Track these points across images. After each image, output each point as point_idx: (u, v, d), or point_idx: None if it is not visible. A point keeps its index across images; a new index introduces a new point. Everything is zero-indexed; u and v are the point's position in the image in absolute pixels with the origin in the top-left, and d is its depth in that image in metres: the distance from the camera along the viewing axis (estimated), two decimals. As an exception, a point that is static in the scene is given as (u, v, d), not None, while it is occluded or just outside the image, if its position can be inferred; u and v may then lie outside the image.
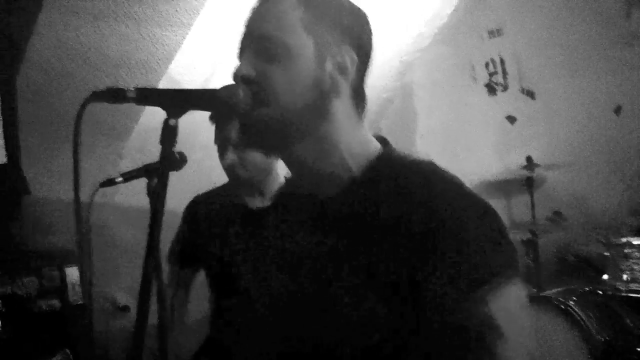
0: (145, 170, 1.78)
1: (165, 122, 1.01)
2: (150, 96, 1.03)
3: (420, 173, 1.05)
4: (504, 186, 3.95)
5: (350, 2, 1.12)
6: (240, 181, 2.16)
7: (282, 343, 1.13)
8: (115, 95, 1.01)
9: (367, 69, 1.13)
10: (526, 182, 3.72)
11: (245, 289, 1.26)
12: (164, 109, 1.02)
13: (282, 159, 1.14)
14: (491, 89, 4.13)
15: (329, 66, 1.06)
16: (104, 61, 2.53)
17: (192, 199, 2.36)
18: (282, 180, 2.18)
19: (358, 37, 1.10)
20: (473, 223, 0.98)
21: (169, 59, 2.63)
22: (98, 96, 1.00)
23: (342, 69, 1.07)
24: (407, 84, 4.31)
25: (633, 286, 2.84)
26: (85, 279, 2.73)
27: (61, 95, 2.52)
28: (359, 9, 1.13)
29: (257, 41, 1.07)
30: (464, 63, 4.24)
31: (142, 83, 2.69)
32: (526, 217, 3.76)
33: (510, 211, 4.02)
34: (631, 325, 2.91)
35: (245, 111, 1.04)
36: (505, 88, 4.10)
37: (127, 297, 3.12)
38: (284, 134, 1.06)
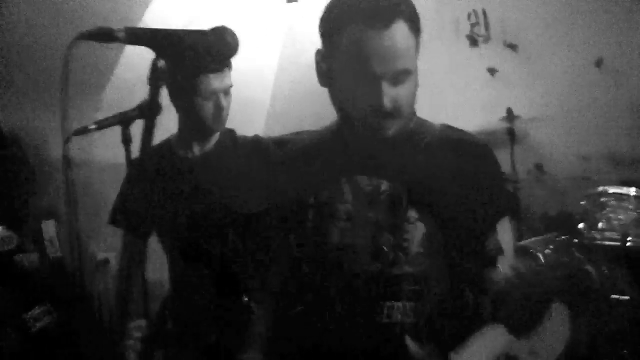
0: (120, 119, 1.78)
1: (154, 62, 1.01)
2: (139, 36, 1.03)
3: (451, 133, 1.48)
4: (485, 138, 3.95)
5: None
6: (222, 124, 2.16)
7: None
8: (104, 34, 1.00)
9: None
10: (507, 132, 3.73)
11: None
12: (153, 49, 1.02)
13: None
14: (473, 40, 4.10)
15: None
16: (79, 15, 2.50)
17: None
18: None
19: None
20: (492, 168, 1.47)
21: (143, 9, 2.61)
22: (86, 35, 1.00)
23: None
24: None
25: (608, 234, 2.87)
26: (67, 233, 2.75)
27: (34, 49, 2.50)
28: None
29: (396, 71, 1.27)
30: (446, 14, 4.18)
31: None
32: (507, 170, 3.78)
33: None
34: (606, 272, 2.96)
35: (234, 53, 1.07)
36: (487, 39, 4.07)
37: (108, 254, 3.14)
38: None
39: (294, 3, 3.95)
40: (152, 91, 1.02)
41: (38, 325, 2.76)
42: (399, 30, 1.23)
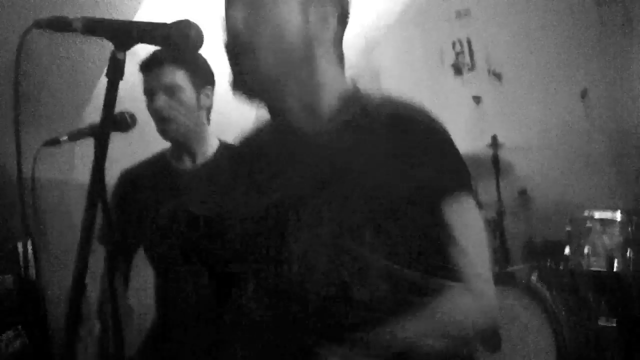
0: (92, 130, 1.73)
1: (113, 54, 0.97)
2: (97, 27, 1.00)
3: (389, 105, 1.23)
4: (470, 167, 3.95)
5: None
6: (168, 132, 2.01)
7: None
8: (61, 24, 0.98)
9: (345, 27, 1.24)
10: (492, 160, 3.73)
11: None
12: (111, 40, 0.98)
13: (268, 102, 1.22)
14: (457, 69, 4.13)
15: (312, 16, 1.16)
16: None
17: (121, 173, 2.16)
18: (215, 143, 2.09)
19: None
20: (434, 140, 1.18)
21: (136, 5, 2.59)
22: (42, 24, 0.98)
23: (324, 21, 1.18)
24: (374, 64, 4.29)
25: (594, 260, 2.85)
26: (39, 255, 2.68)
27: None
28: None
29: None
30: (431, 44, 4.23)
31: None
32: (493, 198, 3.77)
33: (476, 192, 4.02)
34: (592, 299, 2.93)
35: (197, 47, 1.02)
36: (471, 68, 4.10)
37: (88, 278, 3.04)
38: (272, 79, 1.16)
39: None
40: (109, 86, 0.97)
41: (9, 349, 2.67)
42: None
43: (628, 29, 3.66)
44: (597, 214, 2.89)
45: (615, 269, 2.77)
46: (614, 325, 2.84)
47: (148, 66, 1.98)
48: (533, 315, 2.94)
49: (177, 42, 1.00)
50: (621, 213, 2.84)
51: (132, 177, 2.15)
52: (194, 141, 2.05)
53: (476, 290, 1.13)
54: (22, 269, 2.73)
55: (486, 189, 3.89)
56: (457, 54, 4.13)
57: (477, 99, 4.08)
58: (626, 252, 2.80)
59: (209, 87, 2.06)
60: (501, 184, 3.76)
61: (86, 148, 2.38)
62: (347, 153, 1.15)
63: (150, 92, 1.98)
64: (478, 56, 4.09)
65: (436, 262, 1.12)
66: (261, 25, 1.13)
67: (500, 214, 3.63)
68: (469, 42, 4.10)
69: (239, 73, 1.16)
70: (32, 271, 2.82)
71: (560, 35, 3.83)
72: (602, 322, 2.86)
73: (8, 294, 2.67)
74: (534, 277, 2.99)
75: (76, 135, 1.80)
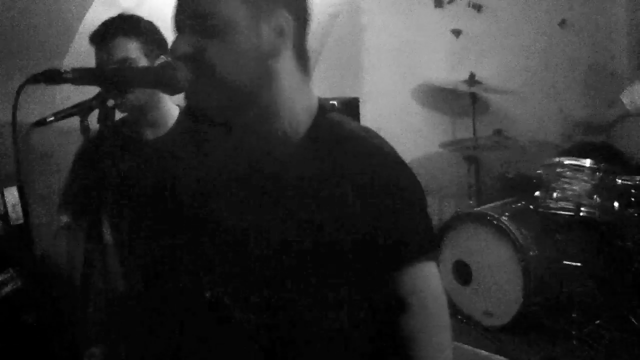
0: (79, 109, 1.74)
1: (102, 102, 1.01)
2: (87, 76, 1.03)
3: (351, 141, 1.08)
4: (449, 101, 4.02)
5: None
6: (124, 103, 1.93)
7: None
8: (52, 76, 1.01)
9: (306, 27, 1.13)
10: (469, 97, 3.79)
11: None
12: (101, 88, 1.03)
13: (229, 126, 1.16)
14: (438, 1, 4.08)
15: (265, 31, 1.05)
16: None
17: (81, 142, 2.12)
18: (175, 111, 2.06)
19: None
20: (396, 195, 1.01)
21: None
22: (35, 79, 1.01)
23: (279, 32, 1.06)
24: (354, -1, 4.22)
25: (562, 204, 2.97)
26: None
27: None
28: None
29: (191, 17, 1.05)
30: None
31: (77, 3, 2.59)
32: (469, 134, 3.86)
33: (454, 128, 4.10)
34: (560, 239, 3.08)
35: (184, 87, 1.04)
36: (451, 0, 4.06)
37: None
38: (229, 105, 1.07)
39: None
40: (101, 131, 1.03)
41: (3, 291, 2.76)
42: None
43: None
44: (567, 161, 2.98)
45: (582, 214, 2.89)
46: (579, 264, 3.00)
47: (99, 39, 1.93)
48: (503, 252, 3.10)
49: (165, 84, 1.04)
50: (591, 160, 2.93)
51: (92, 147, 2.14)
52: (154, 111, 2.02)
53: None
54: (9, 213, 2.78)
55: (463, 125, 3.98)
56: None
57: (456, 32, 4.06)
58: (593, 197, 2.92)
59: (163, 56, 2.02)
60: (477, 120, 3.84)
61: (66, 92, 2.39)
62: (299, 178, 1.08)
63: (102, 66, 1.92)
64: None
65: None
66: (209, 49, 1.03)
67: (476, 149, 3.73)
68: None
69: (192, 91, 1.07)
70: (19, 215, 2.88)
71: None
72: (566, 261, 3.02)
73: (-2, 239, 2.73)
74: (504, 217, 3.12)
75: (63, 115, 1.82)
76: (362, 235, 0.99)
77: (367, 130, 1.12)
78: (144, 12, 2.09)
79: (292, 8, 1.08)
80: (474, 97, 3.80)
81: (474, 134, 3.80)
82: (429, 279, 1.00)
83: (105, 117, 1.02)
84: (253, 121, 1.10)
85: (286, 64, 1.09)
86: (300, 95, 1.13)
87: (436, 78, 3.98)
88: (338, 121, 1.13)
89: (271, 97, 1.09)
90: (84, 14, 2.64)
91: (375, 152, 1.05)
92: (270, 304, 1.11)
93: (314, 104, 1.15)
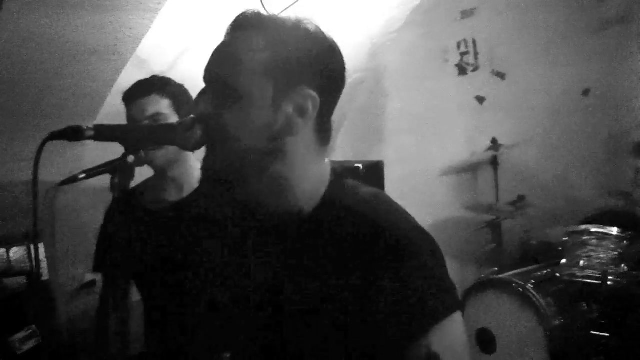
0: (110, 167, 1.78)
1: (123, 158, 1.04)
2: (107, 132, 1.05)
3: (367, 207, 1.07)
4: (471, 167, 4.03)
5: (321, 36, 1.09)
6: (155, 159, 2.01)
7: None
8: (74, 133, 1.02)
9: (336, 100, 1.12)
10: (491, 161, 3.79)
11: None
12: (122, 144, 1.05)
13: (235, 194, 1.14)
14: (462, 69, 4.15)
15: (287, 109, 1.04)
16: (71, 48, 2.49)
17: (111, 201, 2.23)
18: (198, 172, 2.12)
19: (325, 72, 1.08)
20: (417, 261, 0.99)
21: (136, 42, 2.60)
22: (57, 135, 1.02)
23: (301, 111, 1.05)
24: (379, 66, 4.30)
25: (588, 272, 2.93)
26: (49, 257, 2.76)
27: (28, 83, 2.49)
28: (329, 42, 1.10)
29: (215, 84, 1.07)
30: (436, 44, 4.24)
31: (111, 67, 2.67)
32: (491, 199, 3.85)
33: (476, 193, 4.10)
34: (585, 309, 3.02)
35: (199, 145, 1.06)
36: (475, 68, 4.13)
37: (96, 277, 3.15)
38: (236, 171, 1.06)
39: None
40: (121, 183, 1.04)
41: (24, 348, 2.76)
42: None
43: (629, 28, 3.69)
44: (594, 228, 2.96)
45: (609, 282, 2.84)
46: (607, 335, 2.93)
47: (132, 96, 1.99)
48: (527, 320, 3.04)
49: (183, 141, 1.05)
50: (618, 228, 2.91)
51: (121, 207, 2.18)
52: (179, 168, 2.06)
53: None
54: (34, 269, 2.81)
55: (486, 192, 3.97)
56: (462, 55, 4.15)
57: (480, 99, 4.11)
58: (620, 266, 2.87)
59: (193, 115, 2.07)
60: (500, 185, 3.83)
61: (93, 151, 2.41)
62: (308, 255, 1.07)
63: (134, 122, 1.97)
64: (482, 56, 4.11)
65: None
66: (226, 115, 1.04)
67: (498, 216, 3.71)
68: (474, 43, 4.11)
69: (210, 154, 1.08)
70: (44, 271, 2.91)
71: (564, 35, 3.85)
72: (594, 332, 2.95)
73: (20, 295, 2.75)
74: (530, 285, 3.07)
75: (93, 173, 1.85)
76: (376, 311, 0.98)
77: (376, 195, 1.11)
78: (175, 76, 2.17)
79: (319, 84, 1.06)
80: (495, 161, 3.81)
81: (497, 200, 3.79)
82: (456, 331, 1.00)
83: (126, 174, 1.03)
84: (262, 192, 1.09)
85: (304, 139, 1.08)
86: (313, 166, 1.11)
87: (456, 152, 4.04)
88: (352, 186, 1.13)
89: (281, 171, 1.07)
90: (117, 77, 2.71)
91: (384, 218, 1.04)
92: None
93: (327, 173, 1.14)
